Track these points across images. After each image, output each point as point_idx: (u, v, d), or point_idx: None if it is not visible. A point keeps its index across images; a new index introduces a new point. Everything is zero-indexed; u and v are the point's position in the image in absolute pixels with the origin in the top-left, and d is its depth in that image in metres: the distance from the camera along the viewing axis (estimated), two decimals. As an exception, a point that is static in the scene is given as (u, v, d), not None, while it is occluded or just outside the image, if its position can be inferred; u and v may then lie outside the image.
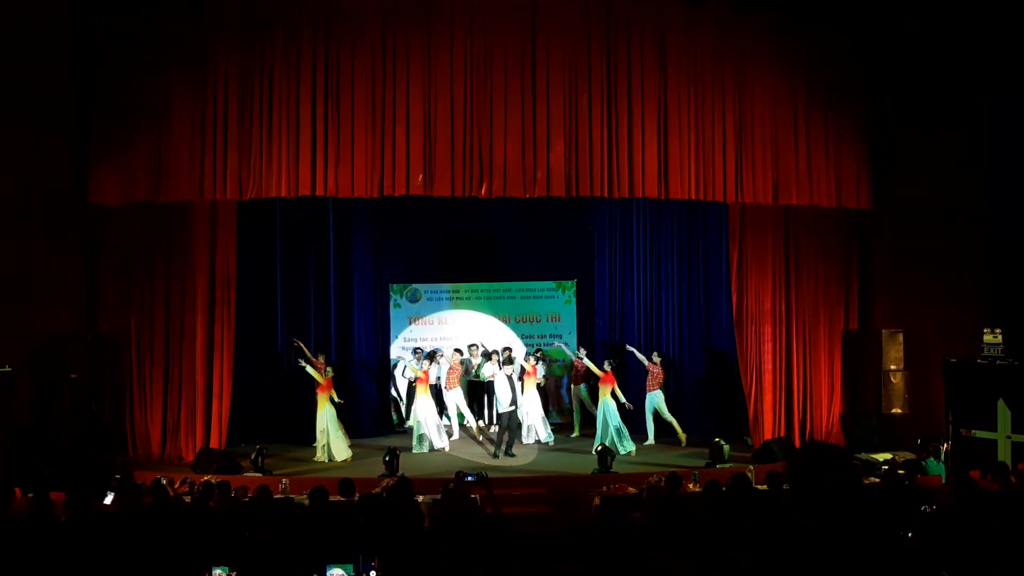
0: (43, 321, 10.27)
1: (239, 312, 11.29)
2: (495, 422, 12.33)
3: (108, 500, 7.50)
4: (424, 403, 11.56)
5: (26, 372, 10.03)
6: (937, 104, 11.15)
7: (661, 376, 11.83)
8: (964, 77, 11.14)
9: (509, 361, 12.15)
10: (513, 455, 11.16)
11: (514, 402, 11.46)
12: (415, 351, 12.96)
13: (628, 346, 12.36)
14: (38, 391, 10.17)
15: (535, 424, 11.75)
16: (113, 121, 10.19)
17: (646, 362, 11.88)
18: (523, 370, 11.81)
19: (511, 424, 11.30)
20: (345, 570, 5.08)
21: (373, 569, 5.09)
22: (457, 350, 12.82)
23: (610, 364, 11.51)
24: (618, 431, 11.10)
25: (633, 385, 12.19)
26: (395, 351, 13.54)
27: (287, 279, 12.79)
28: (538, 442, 11.76)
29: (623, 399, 11.31)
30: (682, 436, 11.70)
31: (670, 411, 11.79)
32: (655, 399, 11.76)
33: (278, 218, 12.62)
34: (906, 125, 11.24)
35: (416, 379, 11.81)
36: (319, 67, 10.11)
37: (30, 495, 6.73)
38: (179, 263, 10.87)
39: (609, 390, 11.22)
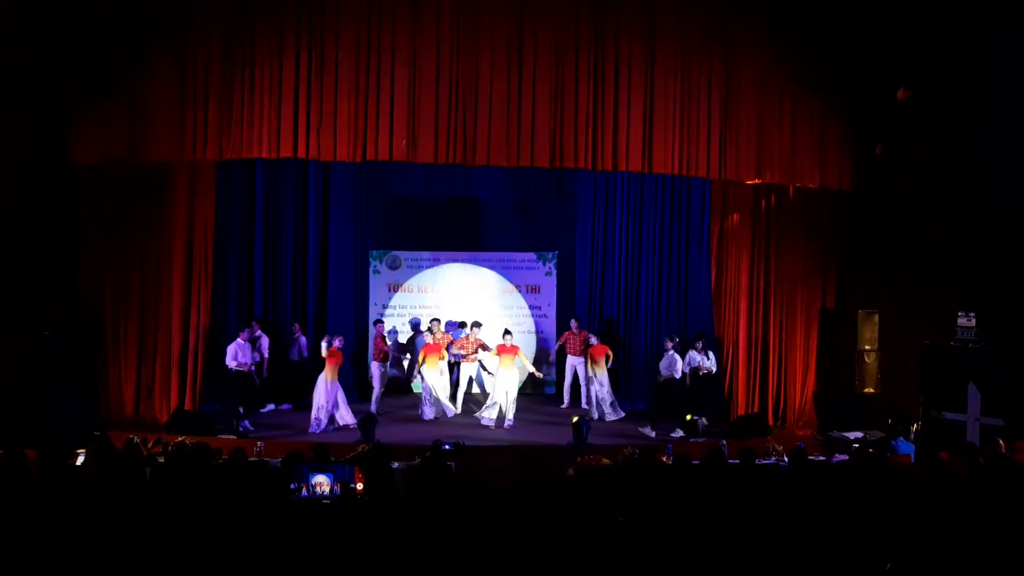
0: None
1: (216, 274, 11.19)
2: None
3: (80, 460, 7.44)
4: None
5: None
6: (925, 87, 11.12)
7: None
8: (953, 60, 11.07)
9: None
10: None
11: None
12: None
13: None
14: (11, 351, 10.02)
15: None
16: (91, 78, 9.94)
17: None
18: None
19: None
20: (327, 477, 5.04)
21: (357, 482, 5.03)
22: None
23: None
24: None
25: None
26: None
27: (265, 241, 12.73)
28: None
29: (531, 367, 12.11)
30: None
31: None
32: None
33: (258, 180, 12.53)
34: (892, 108, 11.23)
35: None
36: (303, 27, 9.91)
37: (1, 451, 6.66)
38: (156, 224, 10.73)
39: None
